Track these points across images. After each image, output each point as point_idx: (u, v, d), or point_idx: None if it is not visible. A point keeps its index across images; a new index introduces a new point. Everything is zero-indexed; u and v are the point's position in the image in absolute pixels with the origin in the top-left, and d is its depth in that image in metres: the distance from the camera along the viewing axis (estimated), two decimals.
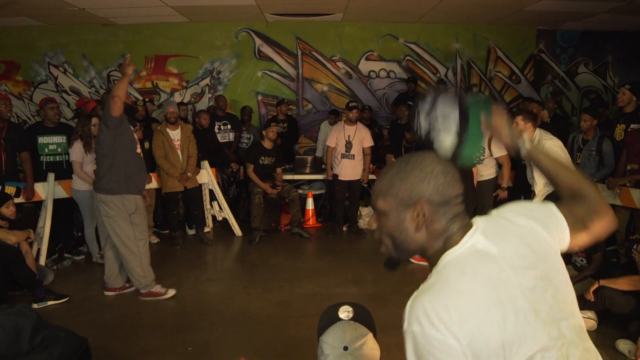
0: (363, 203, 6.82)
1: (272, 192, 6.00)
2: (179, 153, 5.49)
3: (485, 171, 5.18)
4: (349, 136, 5.98)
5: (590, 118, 4.88)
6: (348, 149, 6.00)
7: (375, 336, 1.36)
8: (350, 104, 6.07)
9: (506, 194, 5.13)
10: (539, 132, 4.41)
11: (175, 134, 5.53)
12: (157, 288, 4.12)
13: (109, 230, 3.93)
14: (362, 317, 1.43)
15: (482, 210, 5.14)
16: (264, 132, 6.08)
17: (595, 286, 3.42)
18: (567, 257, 4.28)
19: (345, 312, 1.44)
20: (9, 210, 4.22)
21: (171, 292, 4.14)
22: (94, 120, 4.91)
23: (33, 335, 1.60)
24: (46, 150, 5.08)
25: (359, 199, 6.47)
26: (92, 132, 4.87)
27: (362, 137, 6.02)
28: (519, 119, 4.42)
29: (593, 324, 3.46)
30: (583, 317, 3.48)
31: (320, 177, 6.65)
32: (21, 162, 4.85)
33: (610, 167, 4.83)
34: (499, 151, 5.08)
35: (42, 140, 5.04)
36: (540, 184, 4.44)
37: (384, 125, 7.61)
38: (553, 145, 4.28)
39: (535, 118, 4.53)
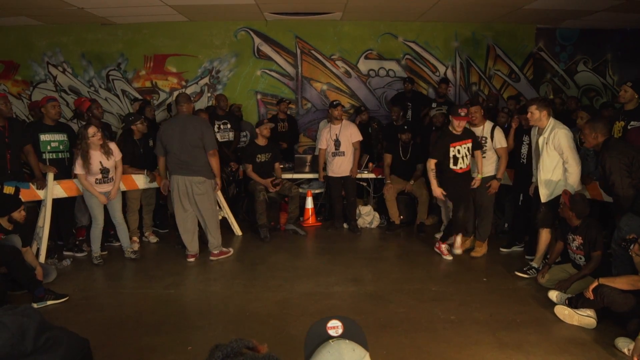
0: (362, 202, 6.83)
1: (273, 190, 6.02)
2: None
3: (486, 167, 5.17)
4: (336, 134, 6.11)
5: (587, 116, 4.88)
6: (337, 146, 6.12)
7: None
8: (333, 102, 6.22)
9: (498, 185, 5.14)
10: (552, 121, 4.42)
11: None
12: (224, 249, 5.27)
13: (208, 205, 5.09)
14: (353, 333, 1.29)
15: (483, 207, 5.17)
16: (257, 130, 6.07)
17: (595, 284, 3.42)
18: (566, 254, 4.29)
19: (334, 328, 1.29)
20: (20, 215, 4.22)
21: (231, 250, 5.37)
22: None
23: (37, 336, 1.60)
24: (49, 147, 5.12)
25: (357, 197, 6.49)
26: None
27: (349, 134, 6.13)
28: (533, 108, 4.41)
29: (592, 322, 3.47)
30: (582, 315, 3.51)
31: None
32: (25, 155, 4.87)
33: None
34: (501, 142, 5.10)
35: (44, 137, 5.07)
36: (544, 175, 4.43)
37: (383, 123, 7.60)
38: (564, 136, 4.32)
39: (550, 104, 4.55)
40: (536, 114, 4.41)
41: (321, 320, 1.31)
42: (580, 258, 4.07)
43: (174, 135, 4.89)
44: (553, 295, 3.91)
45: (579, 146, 5.03)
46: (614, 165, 3.85)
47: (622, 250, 3.68)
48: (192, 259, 5.15)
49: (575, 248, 4.10)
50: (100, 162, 4.87)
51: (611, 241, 3.88)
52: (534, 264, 4.64)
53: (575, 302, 3.61)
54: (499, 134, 5.12)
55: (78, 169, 4.80)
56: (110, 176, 4.99)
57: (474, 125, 5.15)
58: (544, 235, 4.60)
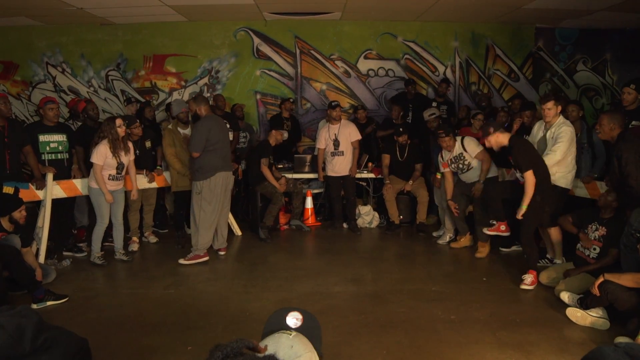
0: (362, 202, 6.83)
1: (283, 189, 6.09)
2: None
3: (473, 172, 5.30)
4: (335, 134, 6.15)
5: (577, 109, 4.99)
6: (336, 146, 6.16)
7: (319, 353, 1.26)
8: (332, 103, 6.28)
9: (481, 188, 5.13)
10: (562, 118, 4.53)
11: (186, 133, 5.55)
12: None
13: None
14: (309, 329, 1.33)
15: (491, 206, 5.15)
16: (274, 131, 6.15)
17: (601, 280, 3.41)
18: (568, 255, 4.28)
19: (294, 319, 1.35)
20: (20, 215, 4.22)
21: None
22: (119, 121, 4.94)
23: (35, 337, 1.59)
24: (47, 148, 5.12)
25: (357, 197, 6.50)
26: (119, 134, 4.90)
27: (348, 133, 6.17)
28: (551, 104, 4.48)
29: (606, 323, 3.45)
30: (594, 316, 3.50)
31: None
32: (25, 155, 4.87)
33: (602, 157, 4.90)
34: (474, 149, 5.18)
35: (43, 138, 5.07)
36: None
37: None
38: (568, 132, 4.43)
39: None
40: (553, 109, 4.49)
41: (285, 309, 1.36)
42: (595, 249, 4.06)
43: (219, 133, 5.10)
44: (565, 296, 3.84)
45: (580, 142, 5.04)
46: (631, 156, 3.85)
47: (632, 245, 3.66)
48: (223, 252, 5.35)
49: (593, 238, 4.08)
50: (120, 156, 4.91)
51: (621, 237, 3.86)
52: (557, 260, 4.68)
53: (585, 301, 3.58)
54: (470, 143, 5.23)
55: (95, 157, 4.77)
56: (122, 174, 5.02)
57: (448, 150, 5.32)
58: (554, 232, 4.65)
